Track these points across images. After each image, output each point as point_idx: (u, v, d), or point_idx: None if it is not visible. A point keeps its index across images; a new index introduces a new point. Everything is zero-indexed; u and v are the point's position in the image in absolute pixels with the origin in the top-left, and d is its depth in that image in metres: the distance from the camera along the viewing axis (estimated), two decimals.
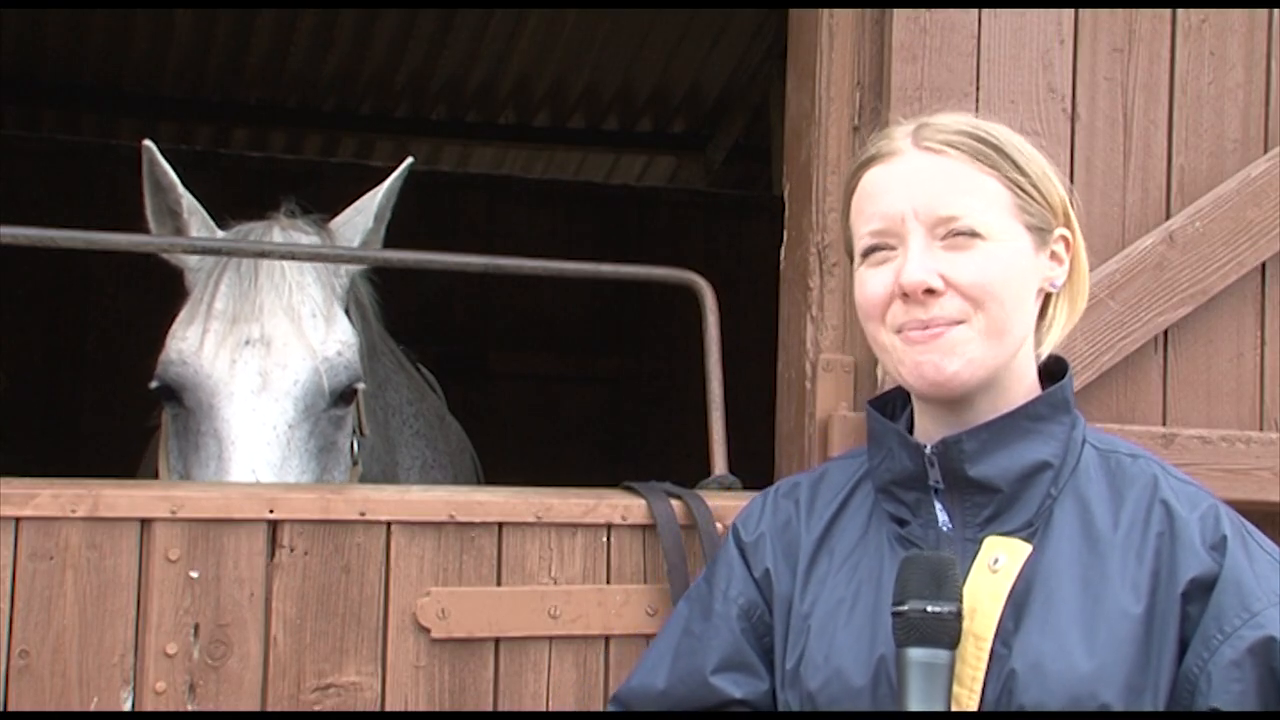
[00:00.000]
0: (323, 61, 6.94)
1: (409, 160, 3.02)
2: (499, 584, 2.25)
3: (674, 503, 2.35)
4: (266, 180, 6.25)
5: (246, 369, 2.63)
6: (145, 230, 2.86)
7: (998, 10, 2.60)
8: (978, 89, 2.59)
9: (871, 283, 1.77)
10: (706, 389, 2.66)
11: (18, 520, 2.02)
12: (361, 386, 2.82)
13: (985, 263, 1.72)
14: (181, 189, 2.80)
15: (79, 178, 6.36)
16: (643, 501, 2.34)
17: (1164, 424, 2.66)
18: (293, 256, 2.74)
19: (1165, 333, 2.67)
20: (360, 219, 2.97)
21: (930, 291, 1.70)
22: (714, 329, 2.69)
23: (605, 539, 2.32)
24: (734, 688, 1.85)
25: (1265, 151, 2.75)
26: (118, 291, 6.26)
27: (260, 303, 2.72)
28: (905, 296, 1.72)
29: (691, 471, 2.61)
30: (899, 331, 1.74)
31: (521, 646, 2.25)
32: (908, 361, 1.75)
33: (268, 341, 2.67)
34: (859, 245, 1.80)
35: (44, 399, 6.33)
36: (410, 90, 7.27)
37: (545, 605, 2.25)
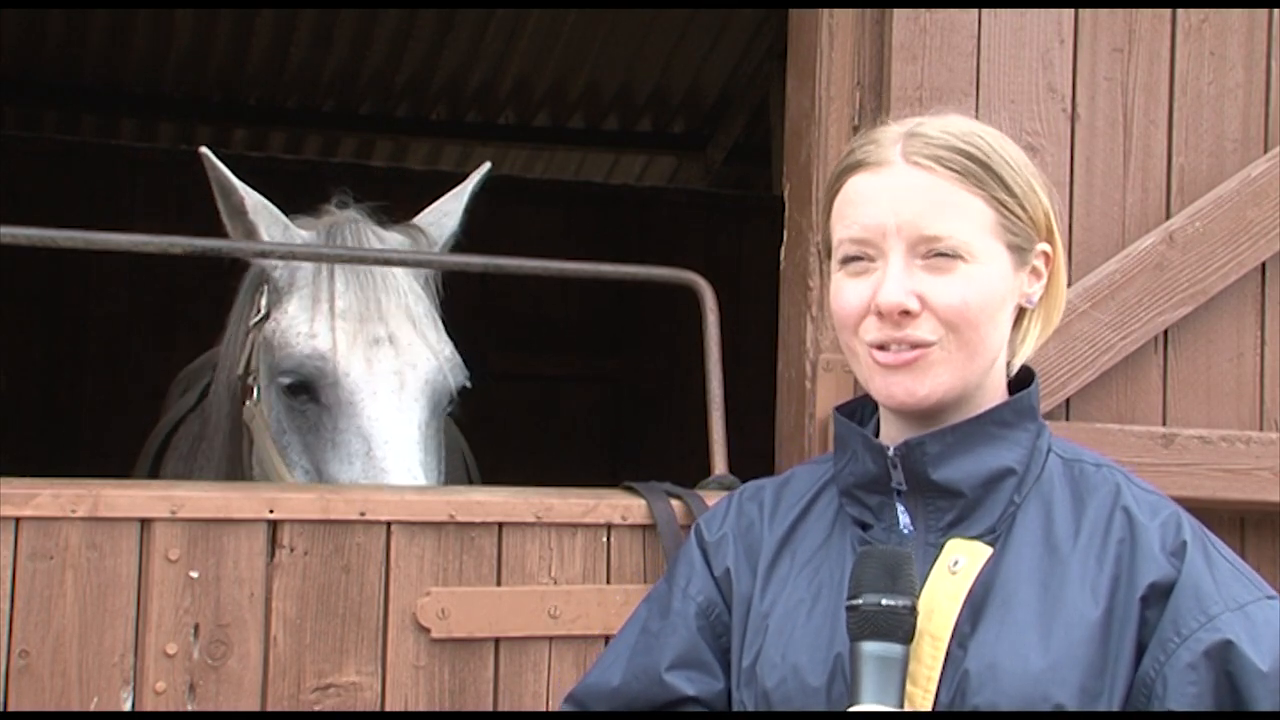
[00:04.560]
0: (323, 61, 6.93)
1: (487, 165, 3.08)
2: (499, 584, 2.25)
3: (674, 503, 2.35)
4: (266, 180, 6.23)
5: (382, 368, 2.66)
6: (143, 229, 2.87)
7: (998, 10, 2.60)
8: (978, 89, 2.59)
9: (848, 293, 1.77)
10: (706, 389, 2.66)
11: (18, 520, 2.02)
12: (469, 386, 2.85)
13: (964, 287, 1.72)
14: (243, 190, 2.83)
15: (79, 178, 6.35)
16: (643, 501, 2.35)
17: (1164, 424, 2.66)
18: (293, 256, 2.75)
19: (1165, 333, 2.67)
20: (449, 221, 3.06)
21: (906, 313, 1.71)
22: (714, 329, 2.69)
23: (605, 539, 2.32)
24: (688, 685, 1.85)
25: (1265, 151, 2.75)
26: (118, 291, 6.25)
27: (382, 303, 2.74)
28: (880, 315, 1.72)
29: (691, 471, 2.61)
30: (873, 347, 1.75)
31: (521, 646, 2.25)
32: (877, 380, 1.76)
33: (395, 342, 2.70)
34: (838, 250, 1.80)
35: (44, 399, 6.33)
36: (410, 90, 7.26)
37: (545, 605, 2.26)
